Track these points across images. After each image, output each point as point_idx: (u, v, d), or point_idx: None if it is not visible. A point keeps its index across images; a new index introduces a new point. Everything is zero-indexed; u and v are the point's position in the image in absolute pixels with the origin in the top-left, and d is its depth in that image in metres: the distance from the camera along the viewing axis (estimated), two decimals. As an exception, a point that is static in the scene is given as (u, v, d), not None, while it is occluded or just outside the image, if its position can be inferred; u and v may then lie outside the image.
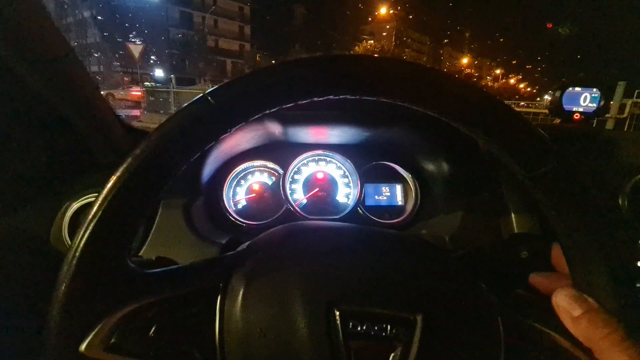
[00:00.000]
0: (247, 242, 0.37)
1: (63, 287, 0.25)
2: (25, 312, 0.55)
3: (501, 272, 0.47)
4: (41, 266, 0.60)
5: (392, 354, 0.28)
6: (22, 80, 0.50)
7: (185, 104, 0.27)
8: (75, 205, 0.61)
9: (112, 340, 0.26)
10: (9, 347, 0.53)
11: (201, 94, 0.27)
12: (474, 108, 0.28)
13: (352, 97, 0.28)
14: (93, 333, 0.25)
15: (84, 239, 0.25)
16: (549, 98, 0.89)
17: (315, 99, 0.28)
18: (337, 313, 0.28)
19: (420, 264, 0.34)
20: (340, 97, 0.28)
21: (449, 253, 0.43)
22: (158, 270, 0.30)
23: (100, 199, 0.25)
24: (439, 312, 0.30)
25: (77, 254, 0.25)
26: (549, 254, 0.47)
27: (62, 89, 0.54)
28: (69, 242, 0.60)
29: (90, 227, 0.25)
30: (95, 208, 0.25)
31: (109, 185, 0.25)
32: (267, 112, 0.28)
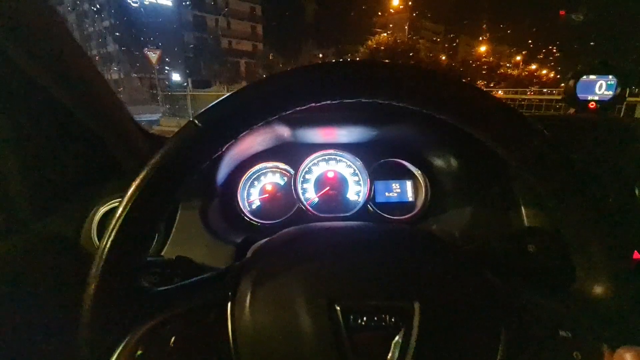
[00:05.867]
0: (252, 249, 0.40)
1: (88, 308, 0.28)
2: (58, 312, 0.60)
3: (508, 265, 0.48)
4: (72, 268, 0.64)
5: (394, 343, 0.30)
6: (50, 95, 0.54)
7: (177, 131, 0.29)
8: (102, 210, 0.66)
9: (138, 353, 0.29)
10: (44, 348, 0.56)
11: (189, 119, 0.29)
12: (452, 97, 0.29)
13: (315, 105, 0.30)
14: (120, 348, 0.29)
15: (98, 271, 0.28)
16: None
17: (298, 108, 0.30)
18: (338, 309, 0.30)
19: (414, 253, 0.36)
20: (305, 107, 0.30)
21: (455, 247, 0.44)
22: (168, 287, 0.33)
23: (105, 238, 0.28)
24: (436, 298, 0.32)
25: (95, 282, 0.28)
26: (556, 248, 0.47)
27: (85, 102, 0.58)
28: (98, 245, 0.64)
29: (101, 262, 0.28)
30: (102, 247, 0.28)
31: (112, 223, 0.28)
32: (254, 127, 0.30)
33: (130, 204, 0.28)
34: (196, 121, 0.29)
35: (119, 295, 0.29)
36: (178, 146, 0.29)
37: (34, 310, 0.55)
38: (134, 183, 0.28)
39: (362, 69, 0.29)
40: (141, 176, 0.28)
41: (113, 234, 0.28)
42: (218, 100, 0.29)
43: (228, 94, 0.29)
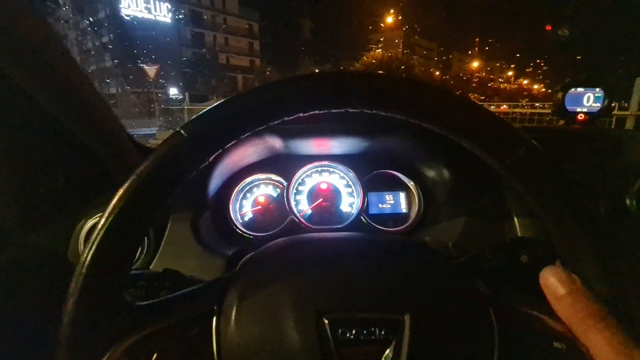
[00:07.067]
0: (242, 261, 0.39)
1: (67, 323, 0.27)
2: (44, 327, 0.58)
3: (501, 276, 0.47)
4: (60, 282, 0.63)
5: (384, 357, 0.29)
6: (41, 108, 0.54)
7: (163, 141, 0.29)
8: (89, 223, 0.65)
9: None
10: None
11: (176, 129, 0.28)
12: (438, 106, 0.29)
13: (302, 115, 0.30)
14: None
15: (79, 284, 0.27)
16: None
17: (286, 118, 0.30)
18: (327, 322, 0.30)
19: (405, 264, 0.35)
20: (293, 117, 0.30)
21: (446, 258, 0.44)
22: (151, 301, 0.32)
23: (87, 250, 0.27)
24: (427, 309, 0.31)
25: (75, 297, 0.27)
26: (550, 259, 0.47)
27: (78, 114, 0.58)
28: None
29: (81, 275, 0.27)
30: (83, 259, 0.27)
31: (94, 234, 0.27)
32: (241, 137, 0.29)
33: (113, 215, 0.27)
34: (182, 131, 0.28)
35: (100, 310, 0.28)
36: (164, 156, 0.28)
37: (21, 324, 0.54)
38: (117, 193, 0.27)
39: (348, 79, 0.29)
40: (125, 186, 0.27)
41: (94, 246, 0.27)
42: (205, 110, 0.29)
43: (215, 104, 0.29)
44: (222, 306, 0.32)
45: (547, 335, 0.30)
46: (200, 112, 0.29)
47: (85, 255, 0.27)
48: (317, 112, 0.30)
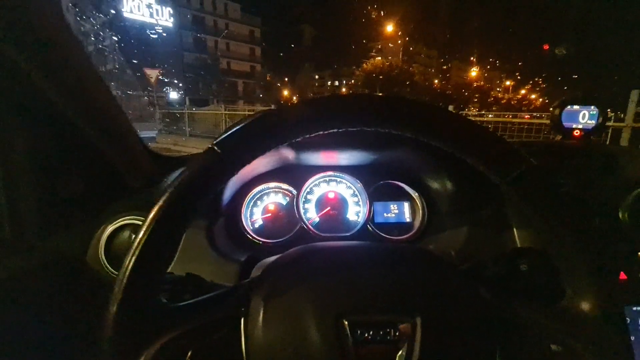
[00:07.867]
0: (262, 267, 0.42)
1: (111, 322, 0.29)
2: (63, 328, 0.60)
3: (502, 283, 0.50)
4: (78, 286, 0.65)
5: (398, 356, 0.32)
6: (60, 114, 0.56)
7: (197, 156, 0.32)
8: (110, 228, 0.67)
9: None
10: None
11: (209, 146, 0.32)
12: (448, 128, 0.33)
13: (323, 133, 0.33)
14: None
15: (122, 287, 0.29)
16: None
17: (307, 136, 0.33)
18: (346, 323, 0.33)
19: (416, 270, 0.39)
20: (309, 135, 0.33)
21: (453, 265, 0.47)
22: (185, 303, 0.35)
23: (128, 257, 0.30)
24: (435, 313, 0.34)
25: (118, 299, 0.29)
26: (547, 267, 0.50)
27: (95, 121, 0.61)
28: (105, 262, 0.65)
29: (124, 279, 0.30)
30: (125, 264, 0.30)
31: (136, 242, 0.30)
32: (266, 152, 0.33)
33: (152, 226, 0.30)
34: (216, 148, 0.32)
35: (140, 311, 0.31)
36: (199, 171, 0.32)
37: (39, 325, 0.55)
38: (156, 205, 0.31)
39: (365, 102, 0.33)
40: (163, 198, 0.31)
41: (137, 253, 0.30)
42: (235, 128, 0.32)
43: (243, 123, 0.32)
44: (249, 309, 0.35)
45: (544, 338, 0.34)
46: (230, 131, 0.32)
47: (127, 261, 0.30)
48: (335, 130, 0.33)
